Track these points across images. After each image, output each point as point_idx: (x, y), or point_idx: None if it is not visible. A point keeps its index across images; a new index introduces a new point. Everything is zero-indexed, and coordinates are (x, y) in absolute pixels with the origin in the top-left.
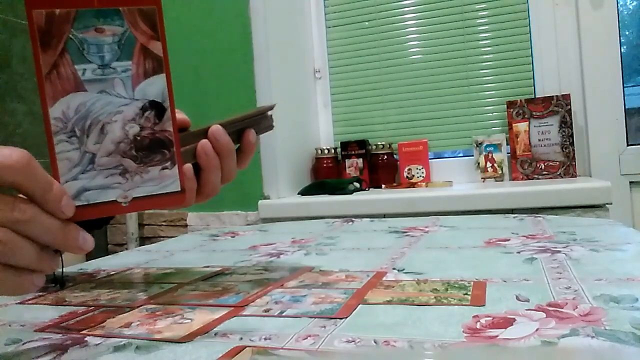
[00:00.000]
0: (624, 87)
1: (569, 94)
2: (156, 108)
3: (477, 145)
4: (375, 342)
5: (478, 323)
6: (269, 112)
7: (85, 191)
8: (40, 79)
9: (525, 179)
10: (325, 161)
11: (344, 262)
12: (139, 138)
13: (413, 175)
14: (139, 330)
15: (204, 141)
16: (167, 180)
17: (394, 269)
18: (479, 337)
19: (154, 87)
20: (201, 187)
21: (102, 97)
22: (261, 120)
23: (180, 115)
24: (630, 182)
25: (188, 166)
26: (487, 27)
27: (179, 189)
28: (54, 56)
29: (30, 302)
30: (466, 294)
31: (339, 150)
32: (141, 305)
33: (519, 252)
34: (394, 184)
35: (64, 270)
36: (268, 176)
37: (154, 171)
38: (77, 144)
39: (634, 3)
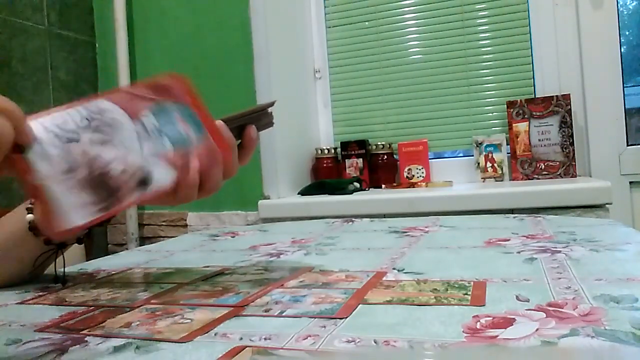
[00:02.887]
0: (624, 87)
1: (569, 94)
2: (144, 182)
3: (477, 145)
4: (375, 342)
5: (478, 323)
6: (270, 109)
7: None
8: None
9: (525, 179)
10: (325, 161)
11: (344, 262)
12: (108, 176)
13: (413, 175)
14: (139, 330)
15: None
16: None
17: (394, 269)
18: (479, 337)
19: (162, 171)
20: (203, 182)
21: (135, 135)
22: (262, 117)
23: None
24: (630, 182)
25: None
26: (487, 27)
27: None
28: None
29: (30, 302)
30: (466, 294)
31: (339, 150)
32: (141, 305)
33: (519, 252)
34: (394, 184)
35: (65, 270)
36: (268, 176)
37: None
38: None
39: (634, 3)
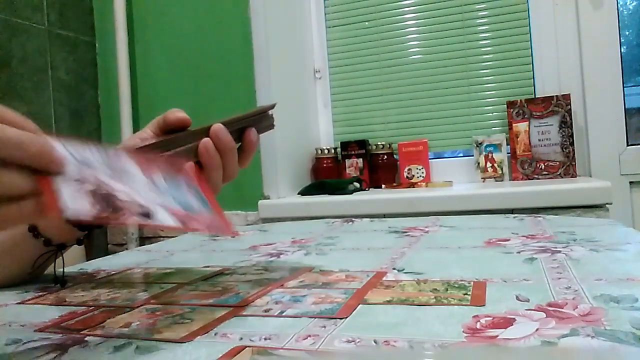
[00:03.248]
0: (624, 87)
1: (569, 94)
2: (147, 216)
3: (477, 145)
4: (375, 342)
5: (478, 323)
6: (270, 112)
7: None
8: None
9: (525, 179)
10: (325, 161)
11: (344, 262)
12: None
13: (413, 175)
14: (139, 330)
15: (206, 139)
16: None
17: (394, 269)
18: (479, 337)
19: (166, 216)
20: None
21: (144, 184)
22: (262, 119)
23: (180, 114)
24: (630, 182)
25: (190, 165)
26: (487, 27)
27: None
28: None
29: (30, 302)
30: (466, 294)
31: (339, 150)
32: (141, 305)
33: (519, 252)
34: (394, 184)
35: (65, 270)
36: (268, 176)
37: None
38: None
39: (634, 3)
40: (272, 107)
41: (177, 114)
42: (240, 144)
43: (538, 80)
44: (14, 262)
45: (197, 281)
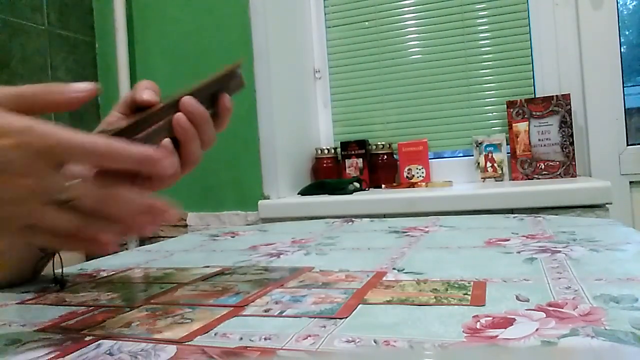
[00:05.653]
0: (624, 87)
1: (569, 94)
2: None
3: (477, 145)
4: (375, 342)
5: (478, 323)
6: (238, 70)
7: None
8: None
9: (525, 179)
10: (325, 161)
11: (344, 262)
12: None
13: (413, 175)
14: (139, 330)
15: (178, 115)
16: None
17: (394, 269)
18: (479, 337)
19: None
20: (183, 158)
21: None
22: (230, 80)
23: (147, 94)
24: (630, 182)
25: (167, 141)
26: (487, 27)
27: None
28: None
29: (30, 302)
30: (466, 294)
31: (339, 150)
32: (141, 305)
33: (519, 252)
34: (394, 184)
35: (64, 270)
36: (268, 176)
37: None
38: None
39: (634, 3)
40: (239, 65)
41: (144, 95)
42: (213, 110)
43: (538, 80)
44: (12, 261)
45: (197, 281)
